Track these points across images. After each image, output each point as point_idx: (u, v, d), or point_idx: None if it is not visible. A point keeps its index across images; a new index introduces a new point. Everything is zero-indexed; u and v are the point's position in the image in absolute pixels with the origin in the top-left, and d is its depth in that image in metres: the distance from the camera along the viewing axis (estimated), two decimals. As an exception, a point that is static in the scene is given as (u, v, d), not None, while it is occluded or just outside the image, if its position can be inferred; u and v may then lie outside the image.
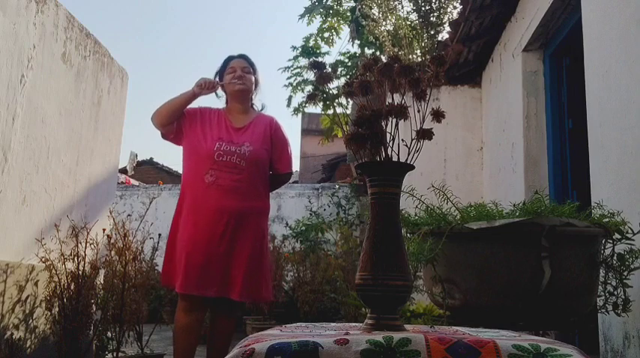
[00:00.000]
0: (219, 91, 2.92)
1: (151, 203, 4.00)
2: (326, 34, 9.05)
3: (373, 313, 1.06)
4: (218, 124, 2.80)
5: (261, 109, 2.97)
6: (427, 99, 1.14)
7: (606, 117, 2.37)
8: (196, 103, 2.84)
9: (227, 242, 2.62)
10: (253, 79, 2.90)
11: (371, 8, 7.57)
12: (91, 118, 3.63)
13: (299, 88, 9.31)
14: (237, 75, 2.82)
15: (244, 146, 2.73)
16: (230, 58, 2.92)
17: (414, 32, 6.81)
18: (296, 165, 17.18)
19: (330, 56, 15.00)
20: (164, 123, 2.76)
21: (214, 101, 2.97)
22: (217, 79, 2.90)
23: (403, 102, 1.11)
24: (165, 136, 2.84)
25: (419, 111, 1.13)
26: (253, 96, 2.95)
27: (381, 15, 7.21)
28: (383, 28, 7.01)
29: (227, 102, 2.94)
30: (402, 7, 7.36)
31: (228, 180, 2.66)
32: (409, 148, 1.11)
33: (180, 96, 2.76)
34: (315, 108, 12.29)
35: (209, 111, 2.86)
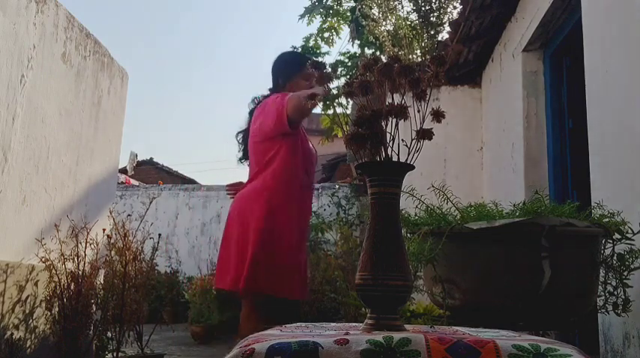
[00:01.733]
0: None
1: (150, 203, 4.00)
2: (326, 34, 9.06)
3: (373, 313, 1.06)
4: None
5: None
6: (427, 99, 1.14)
7: (606, 117, 2.36)
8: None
9: None
10: None
11: (371, 8, 7.57)
12: (91, 118, 3.63)
13: (299, 88, 9.29)
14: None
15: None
16: (307, 61, 2.70)
17: (414, 32, 6.81)
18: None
19: (330, 56, 15.01)
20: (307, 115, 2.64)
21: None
22: (286, 74, 2.72)
23: (403, 102, 1.11)
24: (294, 126, 2.57)
25: (419, 111, 1.12)
26: None
27: (381, 15, 7.22)
28: (383, 28, 7.02)
29: None
30: (402, 7, 7.37)
31: (310, 185, 2.69)
32: (409, 148, 1.11)
33: (308, 93, 2.53)
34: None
35: None
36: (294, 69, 2.69)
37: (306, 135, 2.70)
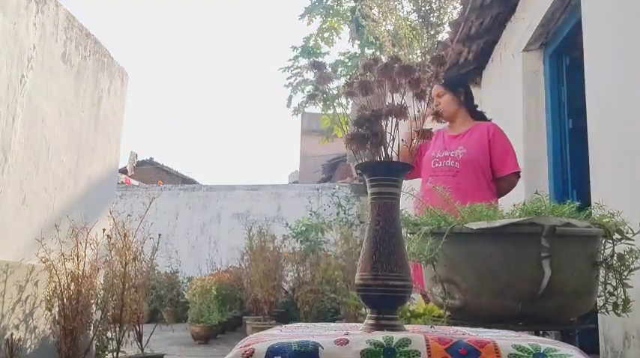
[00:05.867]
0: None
1: (150, 203, 3.99)
2: (326, 34, 9.07)
3: (373, 313, 1.06)
4: (437, 140, 2.90)
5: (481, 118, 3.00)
6: (427, 99, 1.14)
7: (606, 117, 2.36)
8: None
9: None
10: (448, 97, 2.90)
11: (371, 8, 7.57)
12: (91, 118, 3.63)
13: (299, 88, 9.32)
14: (433, 105, 2.82)
15: (458, 150, 2.84)
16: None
17: (414, 32, 6.81)
18: (296, 165, 17.24)
19: (330, 56, 15.02)
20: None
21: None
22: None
23: (403, 102, 1.11)
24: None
25: (419, 111, 1.13)
26: (457, 110, 2.92)
27: (381, 15, 7.22)
28: (383, 28, 7.02)
29: None
30: (402, 7, 7.37)
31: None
32: (409, 148, 1.11)
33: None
34: (315, 108, 12.31)
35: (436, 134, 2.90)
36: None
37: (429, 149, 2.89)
